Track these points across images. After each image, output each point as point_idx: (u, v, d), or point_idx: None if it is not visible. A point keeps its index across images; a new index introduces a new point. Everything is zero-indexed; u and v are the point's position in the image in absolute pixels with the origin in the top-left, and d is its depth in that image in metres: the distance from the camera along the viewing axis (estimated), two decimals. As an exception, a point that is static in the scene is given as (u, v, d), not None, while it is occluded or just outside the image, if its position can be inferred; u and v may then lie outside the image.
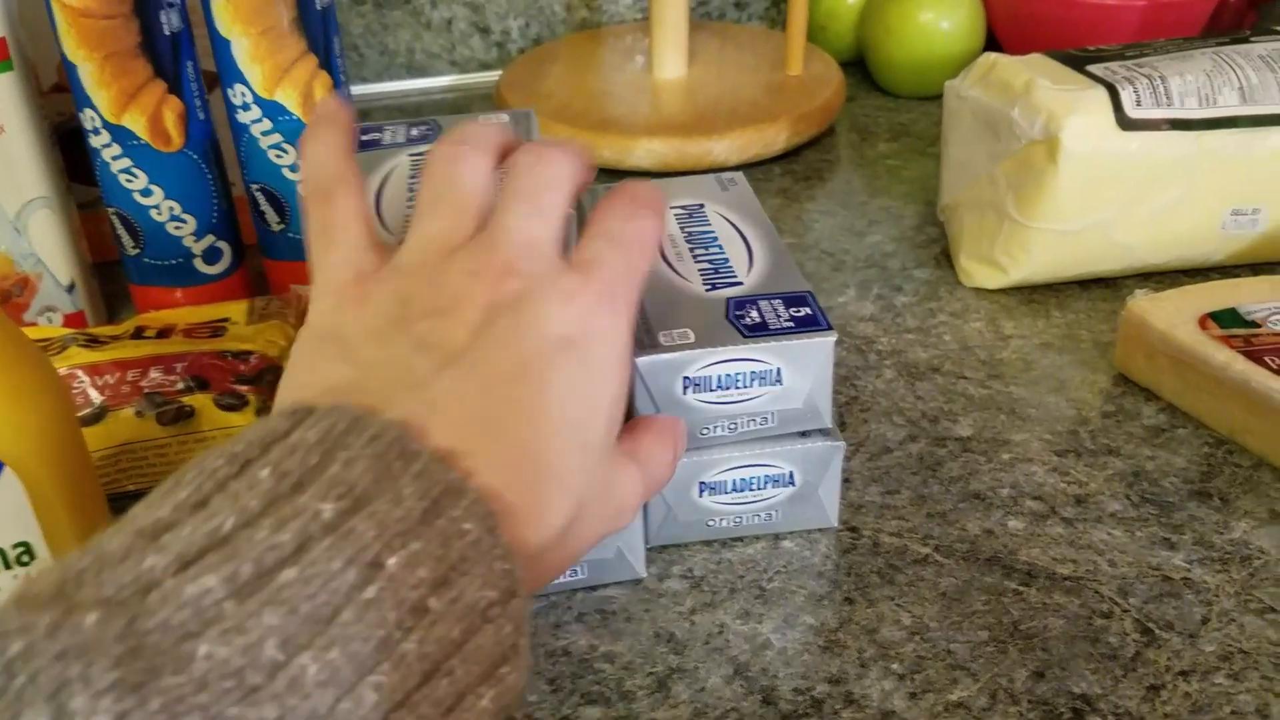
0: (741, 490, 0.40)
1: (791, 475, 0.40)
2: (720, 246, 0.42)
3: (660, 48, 0.74)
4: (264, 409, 0.45)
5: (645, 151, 0.67)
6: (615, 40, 0.81)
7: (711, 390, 0.38)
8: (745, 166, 0.69)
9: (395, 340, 0.28)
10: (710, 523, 0.41)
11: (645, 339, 0.37)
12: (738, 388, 0.38)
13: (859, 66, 0.82)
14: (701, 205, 0.45)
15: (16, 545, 0.30)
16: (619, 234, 0.31)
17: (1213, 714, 0.35)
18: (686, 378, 0.37)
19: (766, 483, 0.40)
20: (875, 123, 0.75)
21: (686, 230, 0.43)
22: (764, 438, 0.39)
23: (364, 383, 0.27)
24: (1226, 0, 0.80)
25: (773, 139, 0.69)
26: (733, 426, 0.39)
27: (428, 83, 0.83)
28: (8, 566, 0.30)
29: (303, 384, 0.28)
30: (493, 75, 0.83)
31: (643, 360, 0.37)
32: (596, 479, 0.28)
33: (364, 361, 0.28)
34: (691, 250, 0.42)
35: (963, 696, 0.35)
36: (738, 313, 0.39)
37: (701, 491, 0.40)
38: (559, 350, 0.28)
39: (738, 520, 0.41)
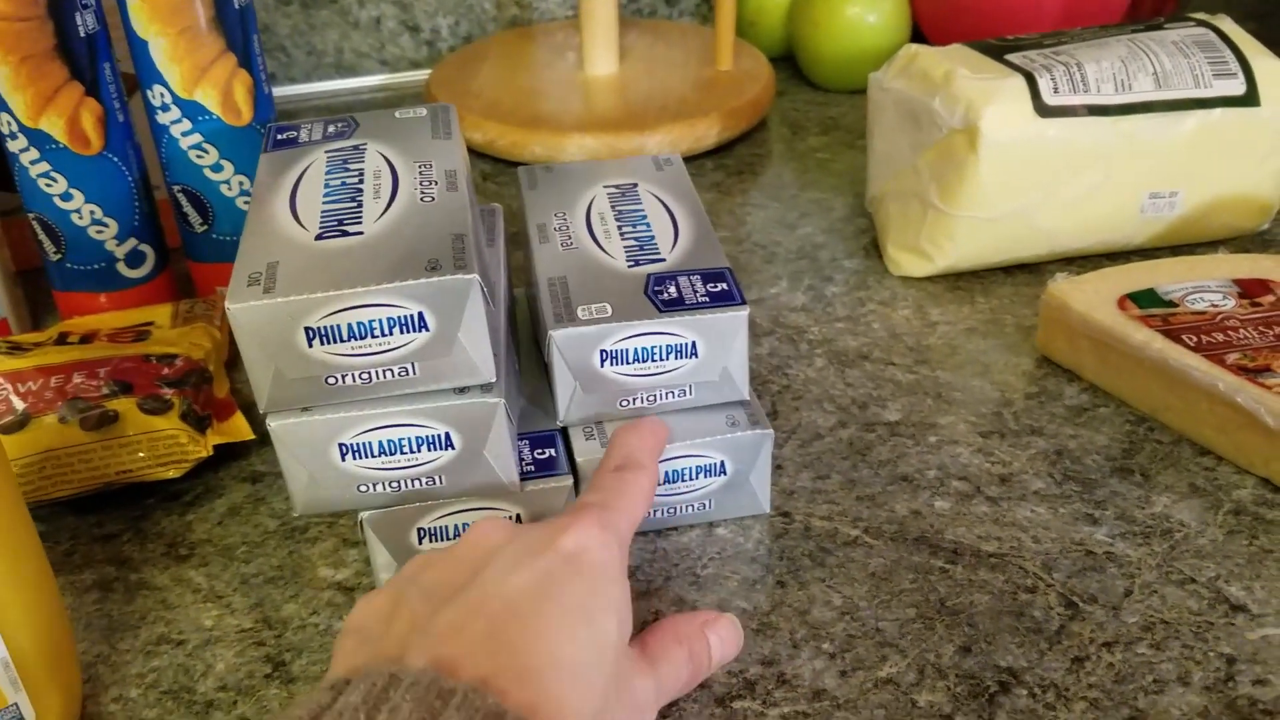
0: (674, 481, 0.41)
1: (723, 464, 0.41)
2: (648, 224, 0.43)
3: (591, 45, 0.74)
4: (188, 412, 0.44)
5: (577, 147, 0.67)
6: (546, 38, 0.81)
7: (628, 363, 0.38)
8: (677, 161, 0.69)
9: (403, 601, 0.30)
10: (647, 514, 0.41)
11: (564, 313, 0.38)
12: (654, 360, 0.39)
13: (789, 62, 0.82)
14: (635, 185, 0.45)
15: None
16: (617, 487, 0.35)
17: (1135, 683, 0.35)
18: (603, 350, 0.38)
19: (698, 473, 0.40)
20: (806, 117, 0.76)
21: (617, 208, 0.44)
22: (685, 409, 0.40)
23: (383, 646, 0.28)
24: (1144, -9, 0.82)
25: (704, 134, 0.69)
26: (651, 398, 0.39)
27: (357, 82, 0.82)
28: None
29: (335, 670, 0.30)
30: (423, 74, 0.83)
31: (558, 333, 0.37)
32: (617, 676, 0.29)
33: (377, 633, 0.29)
34: (620, 228, 0.42)
35: (891, 673, 0.36)
36: (656, 288, 0.39)
37: None
38: (560, 564, 0.30)
39: (672, 511, 0.41)
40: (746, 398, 0.40)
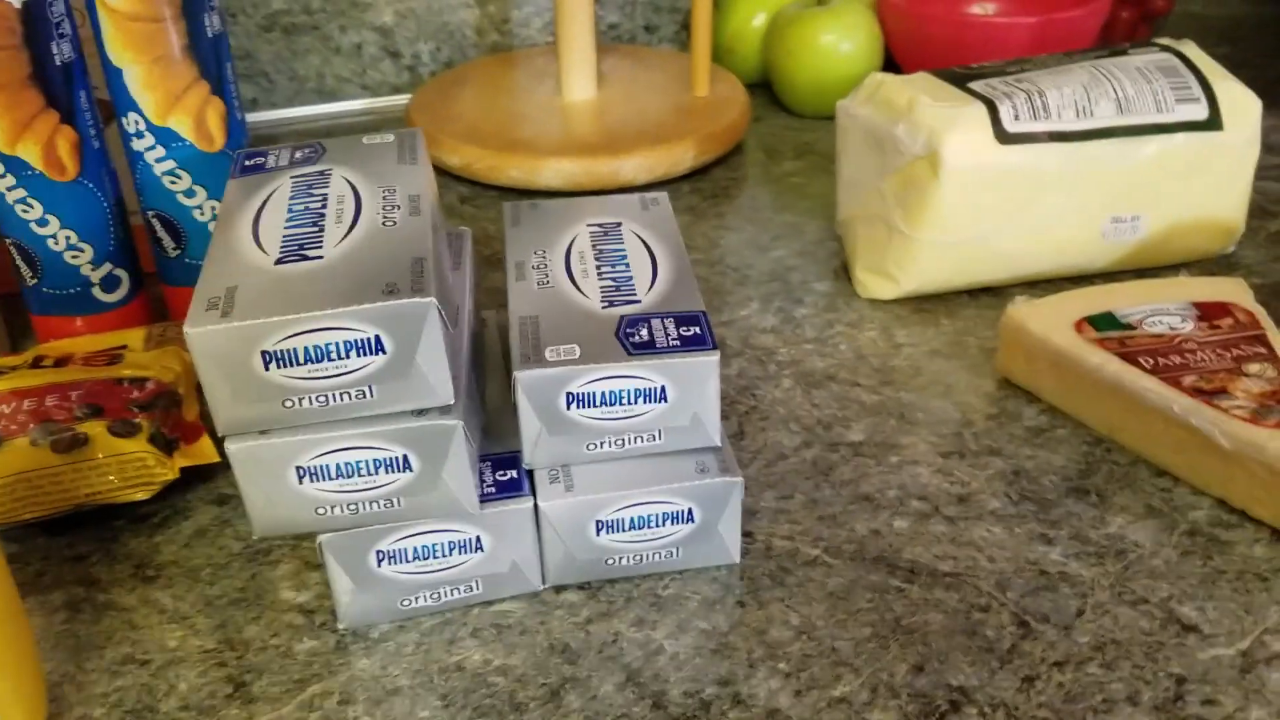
0: (640, 528, 0.40)
1: (690, 512, 0.40)
2: (627, 265, 0.43)
3: (569, 70, 0.75)
4: (156, 435, 0.45)
5: (554, 171, 0.68)
6: (526, 63, 0.82)
7: (595, 406, 0.38)
8: (654, 185, 0.70)
9: None
10: (610, 561, 0.41)
11: (531, 354, 0.38)
12: (623, 404, 0.38)
13: (766, 89, 0.83)
14: (619, 224, 0.45)
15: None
16: None
17: (1085, 703, 0.36)
18: (569, 393, 0.38)
19: (665, 519, 0.40)
20: (781, 142, 0.77)
21: (598, 248, 0.44)
22: (654, 454, 0.40)
23: None
24: (1118, 16, 0.83)
25: (680, 158, 0.70)
26: (619, 443, 0.39)
27: (339, 107, 0.83)
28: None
29: None
30: (404, 99, 0.84)
31: (523, 374, 0.37)
32: None
33: None
34: (598, 268, 0.42)
35: (845, 692, 0.36)
36: (628, 330, 0.39)
37: (599, 530, 0.40)
38: None
39: (638, 558, 0.41)
40: (718, 443, 0.40)
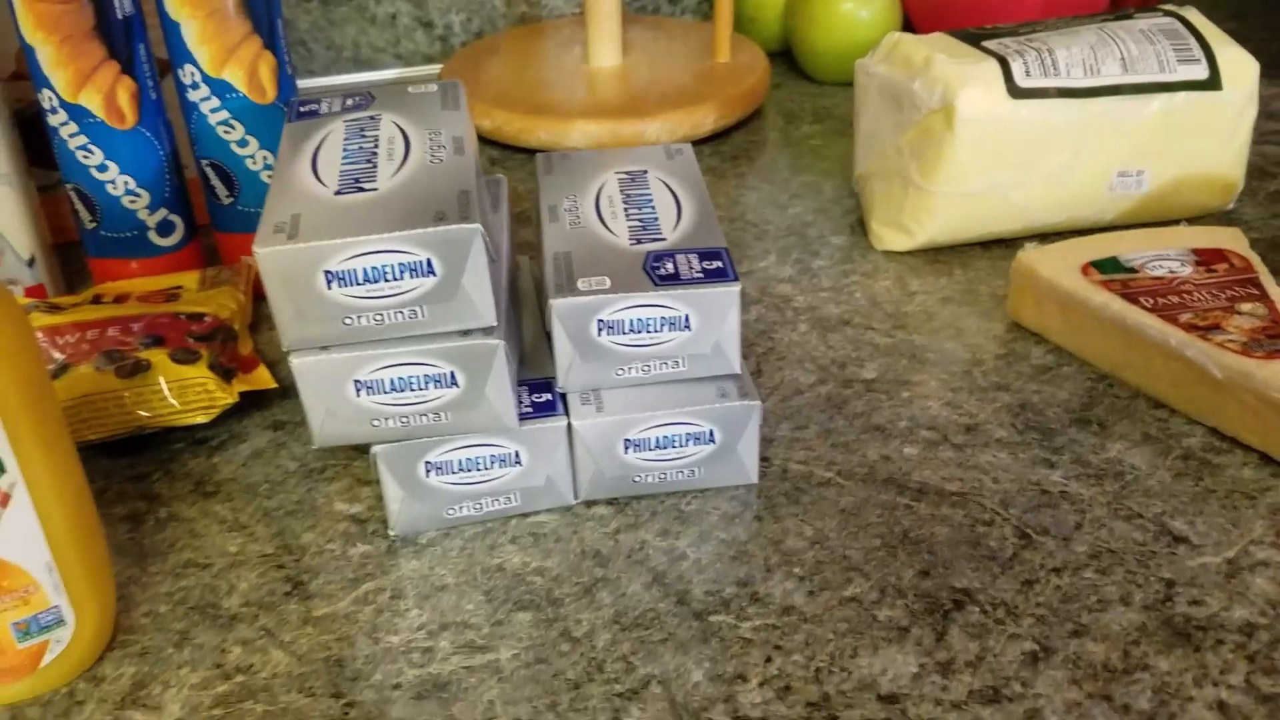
0: (665, 448, 0.43)
1: (711, 433, 0.43)
2: (653, 207, 0.46)
3: (595, 38, 0.78)
4: (215, 364, 0.48)
5: (580, 133, 0.71)
6: (554, 33, 0.85)
7: (624, 333, 0.41)
8: (676, 147, 0.73)
9: None
10: (636, 479, 0.44)
11: (565, 284, 0.41)
12: (649, 332, 0.41)
13: (786, 56, 0.86)
14: (645, 171, 0.48)
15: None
16: None
17: (1080, 603, 0.39)
18: (600, 320, 0.41)
19: (688, 440, 0.43)
20: (800, 107, 0.79)
21: (626, 192, 0.47)
22: (678, 380, 0.43)
23: None
24: (1128, -11, 0.86)
25: (701, 120, 0.72)
26: (645, 368, 0.42)
27: (373, 76, 0.86)
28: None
29: None
30: (435, 68, 0.87)
31: (558, 302, 0.40)
32: None
33: None
34: (626, 209, 0.45)
35: (855, 593, 0.39)
36: (655, 264, 0.42)
37: (627, 448, 0.43)
38: None
39: (662, 476, 0.44)
40: (738, 371, 0.43)
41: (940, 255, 0.60)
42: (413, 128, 0.44)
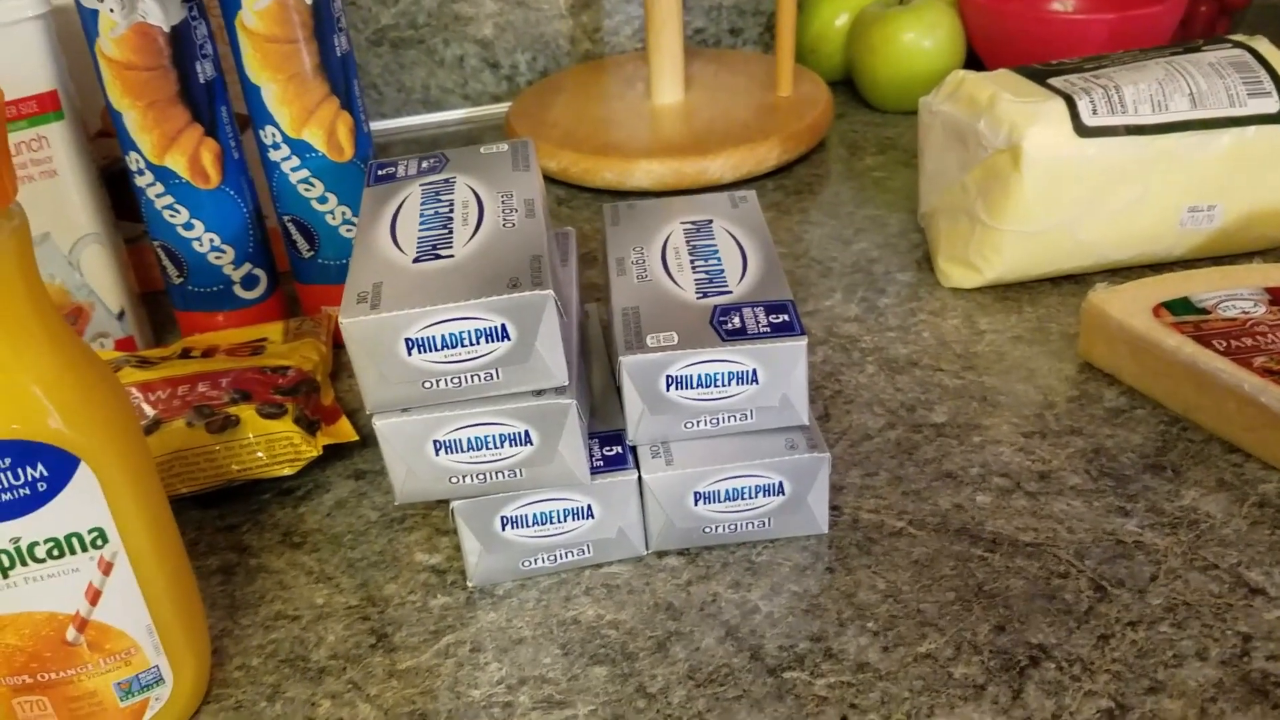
0: (735, 499, 0.44)
1: (781, 485, 0.44)
2: (719, 259, 0.46)
3: (658, 75, 0.79)
4: (300, 417, 0.49)
5: (644, 173, 0.72)
6: (617, 69, 0.86)
7: (692, 388, 0.42)
8: (739, 184, 0.74)
9: None
10: (707, 529, 0.44)
11: (634, 341, 0.42)
12: (717, 386, 0.42)
13: (848, 85, 0.86)
14: (710, 220, 0.49)
15: (91, 530, 0.35)
16: None
17: (1156, 658, 0.39)
18: (669, 376, 0.42)
19: (757, 492, 0.44)
20: (863, 138, 0.80)
21: (691, 243, 0.47)
22: (746, 432, 0.44)
23: None
24: (1196, 10, 0.85)
25: (764, 156, 0.73)
26: (714, 421, 0.43)
27: (442, 116, 0.88)
28: (85, 549, 0.35)
29: None
30: (503, 107, 0.88)
31: (628, 359, 0.41)
32: None
33: None
34: (692, 262, 0.46)
35: (930, 649, 0.40)
36: (721, 319, 0.43)
37: (697, 500, 0.44)
38: None
39: (733, 527, 0.45)
40: (806, 423, 0.43)
41: (1009, 292, 0.60)
42: (485, 191, 0.45)
